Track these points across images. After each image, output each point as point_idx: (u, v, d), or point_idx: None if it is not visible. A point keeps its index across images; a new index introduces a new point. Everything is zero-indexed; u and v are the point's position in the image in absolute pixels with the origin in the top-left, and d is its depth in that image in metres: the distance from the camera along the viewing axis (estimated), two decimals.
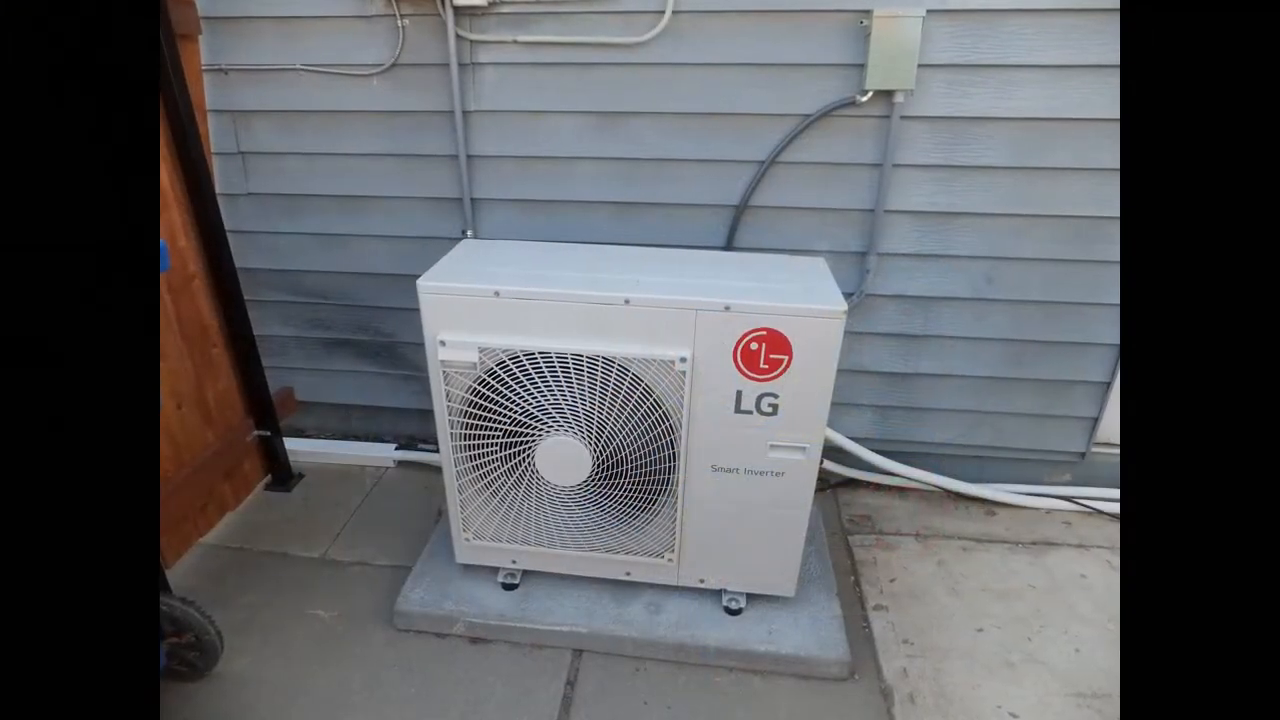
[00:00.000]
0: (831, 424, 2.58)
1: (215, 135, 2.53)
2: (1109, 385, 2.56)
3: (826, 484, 2.81)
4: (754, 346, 1.74)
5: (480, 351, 1.82)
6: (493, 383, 1.85)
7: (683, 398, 1.81)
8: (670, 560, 2.05)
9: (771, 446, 1.86)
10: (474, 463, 1.98)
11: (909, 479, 2.72)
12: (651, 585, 2.17)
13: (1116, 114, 2.15)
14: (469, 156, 2.46)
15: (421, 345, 1.88)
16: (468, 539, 2.12)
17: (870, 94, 2.20)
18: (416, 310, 1.83)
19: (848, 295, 2.46)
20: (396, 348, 2.85)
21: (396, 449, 2.95)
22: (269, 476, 2.80)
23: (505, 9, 2.26)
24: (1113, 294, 2.40)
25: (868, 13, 2.11)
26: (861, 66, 2.18)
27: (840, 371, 1.78)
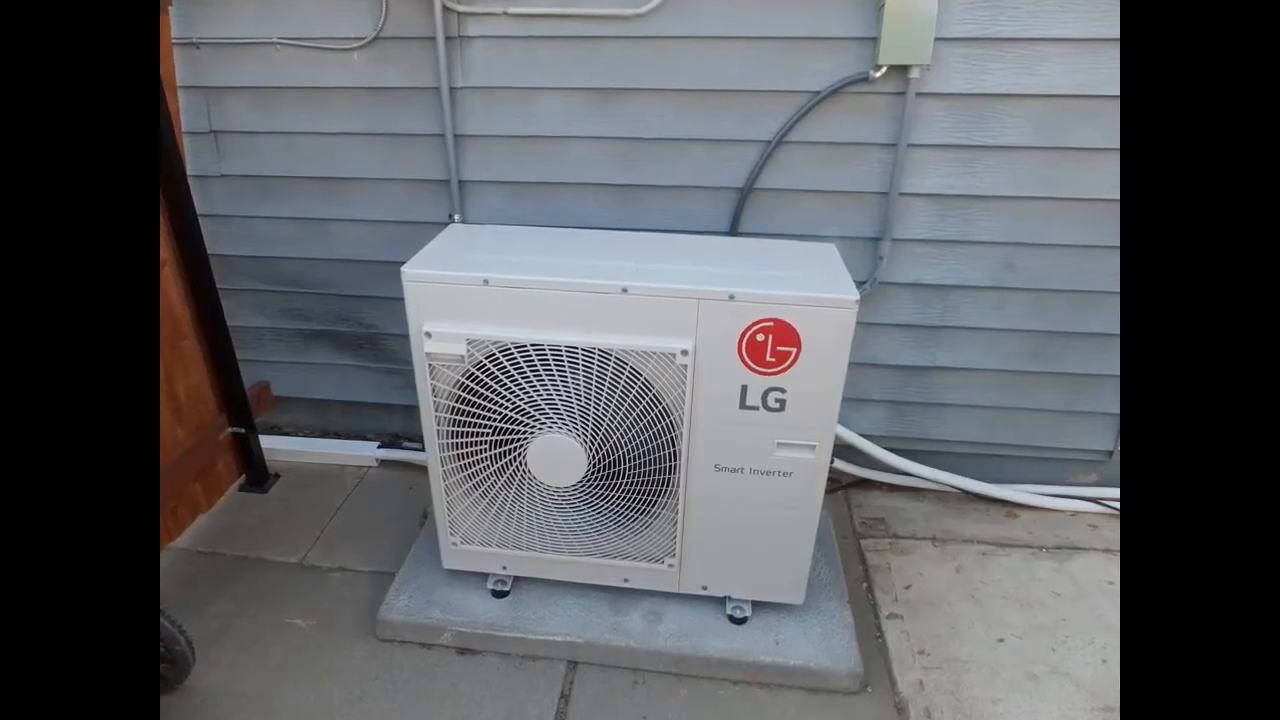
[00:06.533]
0: (842, 421, 2.57)
1: (186, 113, 2.52)
2: None
3: (837, 484, 2.81)
4: (760, 338, 1.73)
5: (468, 343, 1.80)
6: (482, 377, 1.84)
7: (684, 393, 1.79)
8: (671, 566, 2.04)
9: (779, 445, 1.85)
10: (462, 462, 1.97)
11: (925, 479, 2.72)
12: (651, 592, 2.16)
13: None
14: (456, 136, 2.44)
15: (406, 337, 1.87)
16: (455, 543, 2.11)
17: (884, 69, 2.18)
18: (400, 299, 1.82)
19: (860, 284, 2.45)
20: (379, 340, 2.83)
21: (379, 447, 2.94)
22: (244, 477, 2.79)
23: None
24: None
25: None
26: (874, 40, 2.17)
27: (852, 365, 1.77)
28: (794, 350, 1.73)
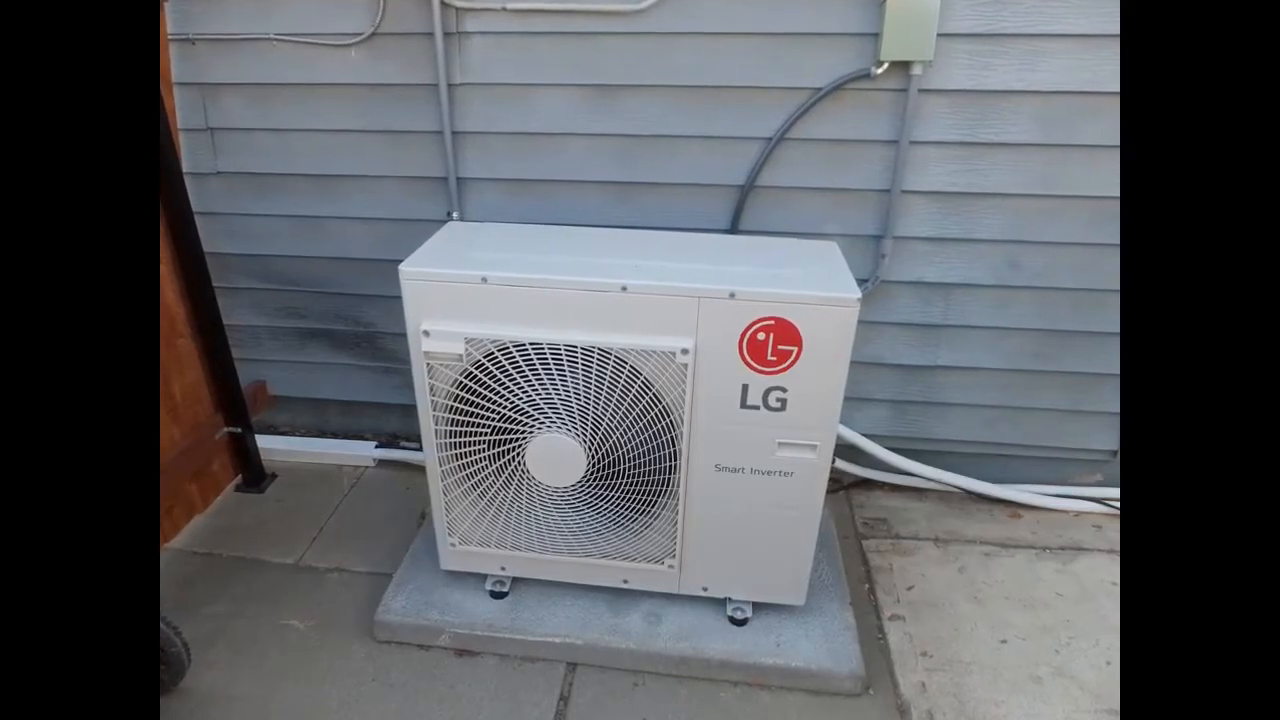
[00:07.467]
0: (844, 420, 2.56)
1: (182, 110, 2.51)
2: None
3: (839, 484, 2.80)
4: (761, 337, 1.73)
5: (467, 342, 1.80)
6: (480, 376, 1.83)
7: (684, 392, 1.79)
8: (671, 567, 2.04)
9: (780, 444, 1.84)
10: (460, 462, 1.96)
11: (927, 479, 2.71)
12: (651, 594, 2.15)
13: None
14: (454, 133, 2.44)
15: (403, 335, 1.86)
16: (453, 544, 2.10)
17: (885, 65, 2.18)
18: (398, 298, 1.81)
19: (862, 282, 2.45)
20: (377, 338, 2.83)
21: (377, 447, 2.93)
22: (240, 477, 2.78)
23: None
24: None
25: None
26: (876, 36, 2.16)
27: (853, 364, 1.76)
28: (795, 349, 1.73)
